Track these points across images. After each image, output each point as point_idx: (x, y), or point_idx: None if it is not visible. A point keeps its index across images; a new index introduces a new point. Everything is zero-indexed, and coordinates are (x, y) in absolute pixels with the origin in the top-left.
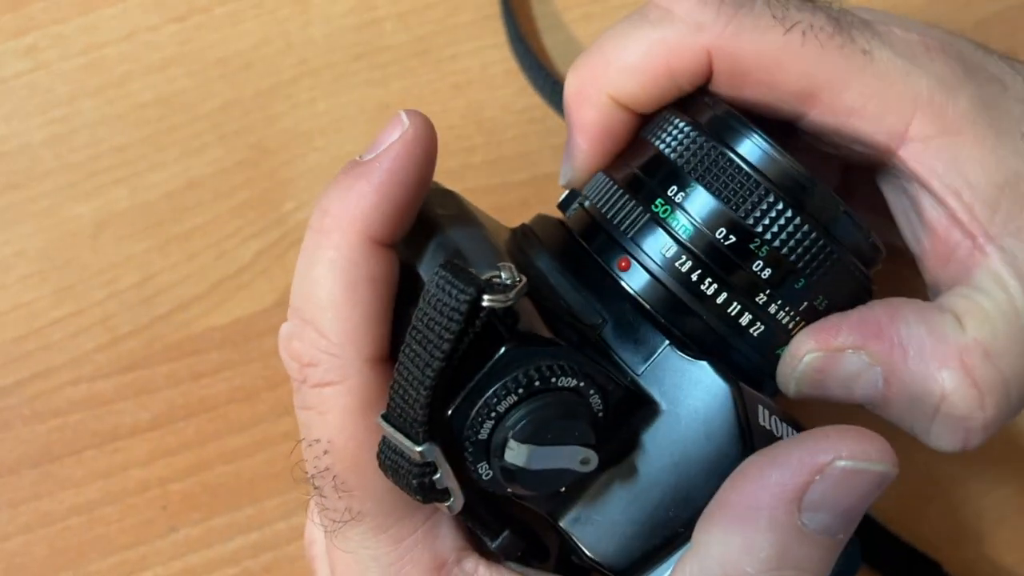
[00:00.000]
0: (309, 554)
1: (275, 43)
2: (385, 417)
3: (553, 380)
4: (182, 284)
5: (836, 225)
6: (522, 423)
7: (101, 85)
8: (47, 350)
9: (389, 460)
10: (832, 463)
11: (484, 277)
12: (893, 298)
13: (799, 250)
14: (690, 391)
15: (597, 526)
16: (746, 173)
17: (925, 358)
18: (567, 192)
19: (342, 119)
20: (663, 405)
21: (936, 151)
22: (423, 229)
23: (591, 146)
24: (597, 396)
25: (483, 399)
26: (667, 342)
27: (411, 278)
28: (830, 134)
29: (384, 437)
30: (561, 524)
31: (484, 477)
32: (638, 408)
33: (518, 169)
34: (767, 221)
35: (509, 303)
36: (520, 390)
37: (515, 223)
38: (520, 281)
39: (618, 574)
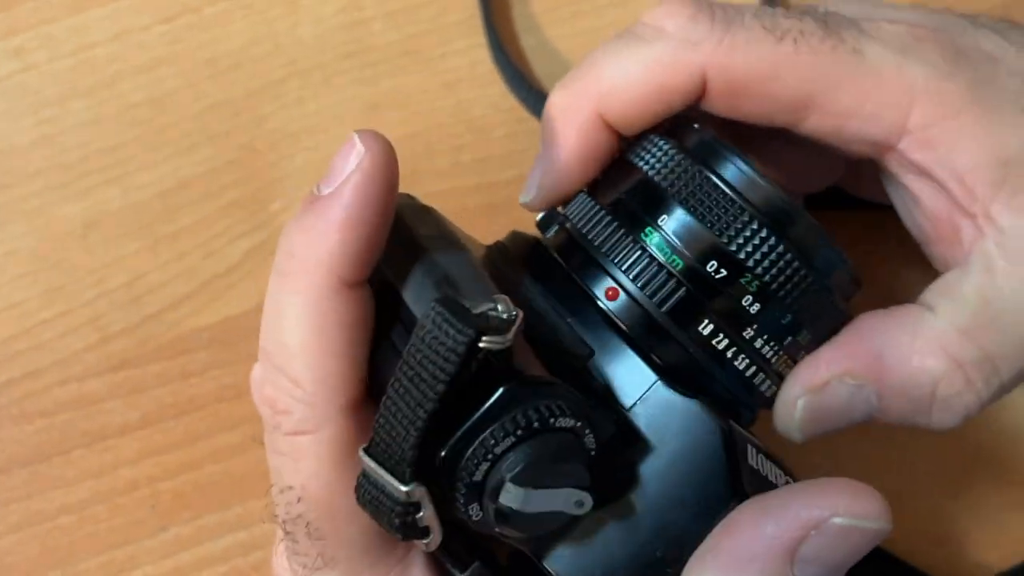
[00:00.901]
0: None
1: (264, 43)
2: (368, 452)
3: (551, 420)
4: (171, 284)
5: (819, 257)
6: (520, 466)
7: (91, 86)
8: (37, 350)
9: (369, 495)
10: (829, 520)
11: (479, 311)
12: (860, 315)
13: (788, 285)
14: (680, 429)
15: (582, 566)
16: (738, 205)
17: (906, 358)
18: (546, 212)
19: (331, 119)
20: (652, 442)
21: (936, 138)
22: (404, 249)
23: (571, 166)
24: (591, 435)
25: (479, 440)
26: (656, 378)
27: (391, 299)
28: (829, 138)
29: (364, 472)
30: (545, 563)
31: (474, 518)
32: (627, 445)
33: (507, 167)
34: (758, 256)
35: (508, 344)
36: (519, 431)
37: (504, 220)
38: (516, 316)
39: None
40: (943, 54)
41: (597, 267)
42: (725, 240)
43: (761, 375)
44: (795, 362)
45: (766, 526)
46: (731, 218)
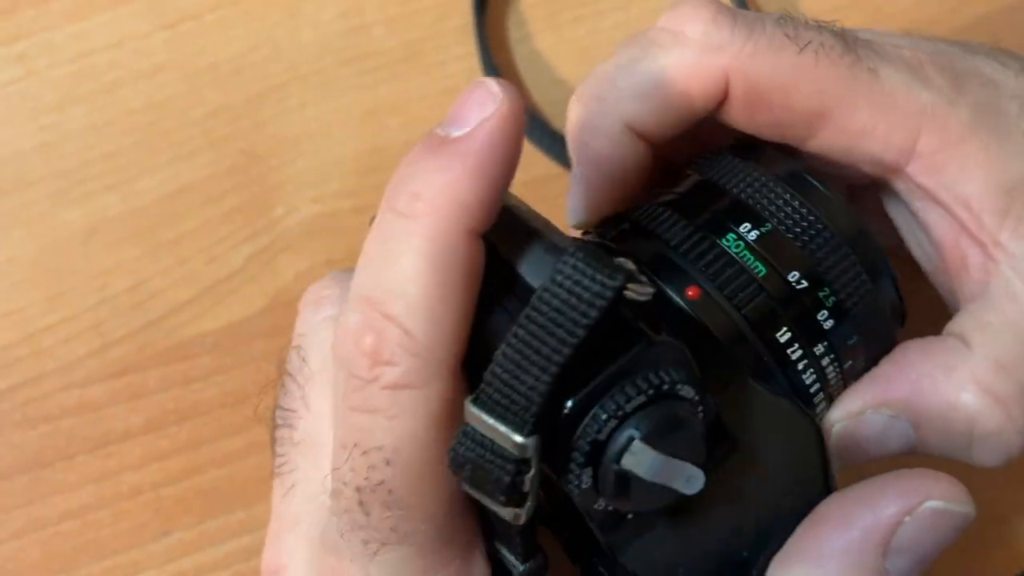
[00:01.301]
0: None
1: (264, 49)
2: (477, 403)
3: (678, 387)
4: (173, 289)
5: (883, 284)
6: (648, 424)
7: (91, 92)
8: (39, 356)
9: (471, 453)
10: (922, 504)
11: (618, 263)
12: (900, 344)
13: (860, 305)
14: (771, 427)
15: (662, 564)
16: (820, 220)
17: (942, 392)
18: (605, 218)
19: (331, 124)
20: (742, 438)
21: (943, 163)
22: (511, 223)
23: (606, 181)
24: (703, 414)
25: (611, 395)
26: (744, 373)
27: (500, 270)
28: (838, 155)
29: (467, 428)
30: (620, 558)
31: (583, 485)
32: (718, 439)
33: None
34: (837, 271)
35: (649, 296)
36: (651, 391)
37: None
38: (647, 281)
39: None
40: (947, 79)
41: (679, 270)
42: (808, 252)
43: (820, 394)
44: (845, 387)
45: (860, 517)
46: (814, 231)
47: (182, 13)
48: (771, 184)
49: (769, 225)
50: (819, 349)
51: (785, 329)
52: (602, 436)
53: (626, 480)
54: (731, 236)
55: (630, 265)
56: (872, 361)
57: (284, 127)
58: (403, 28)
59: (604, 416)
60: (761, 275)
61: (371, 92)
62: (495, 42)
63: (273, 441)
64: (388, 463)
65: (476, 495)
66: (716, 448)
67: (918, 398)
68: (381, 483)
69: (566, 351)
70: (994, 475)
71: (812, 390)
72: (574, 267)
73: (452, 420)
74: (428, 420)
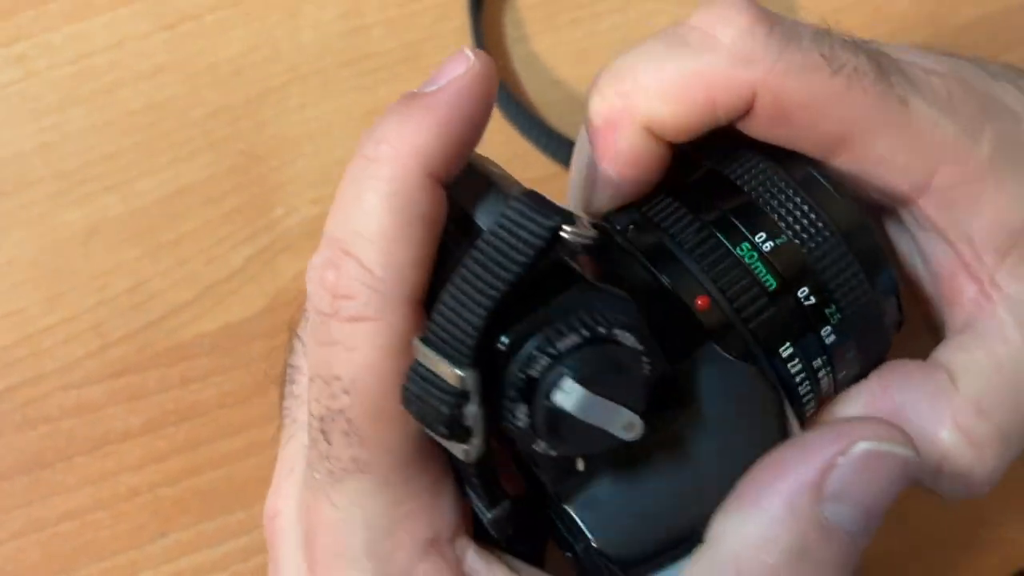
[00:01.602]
0: (270, 529)
1: (264, 50)
2: (423, 340)
3: (617, 333)
4: (172, 290)
5: (887, 296)
6: (581, 365)
7: (91, 93)
8: (38, 356)
9: (417, 388)
10: (855, 444)
11: (563, 209)
12: (886, 363)
13: (865, 324)
14: (732, 391)
15: (607, 513)
16: (841, 242)
17: (922, 422)
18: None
19: (331, 125)
20: (700, 400)
21: (956, 200)
22: (474, 178)
23: (624, 176)
24: (649, 366)
25: (545, 332)
26: (711, 339)
27: (460, 223)
28: (850, 180)
29: (416, 365)
30: (566, 506)
31: (517, 423)
32: (673, 397)
33: (508, 171)
34: (847, 289)
35: (588, 240)
36: (585, 331)
37: None
38: (589, 226)
39: (624, 568)
40: (972, 110)
41: (685, 271)
42: (821, 269)
43: (813, 402)
44: (836, 393)
45: (791, 461)
46: (828, 245)
47: (182, 14)
48: (790, 191)
49: (784, 237)
50: (817, 363)
51: (788, 344)
52: (535, 372)
53: (558, 419)
54: (745, 246)
55: (581, 216)
56: (865, 370)
57: (284, 128)
58: (402, 29)
59: (536, 352)
60: (771, 288)
61: (371, 93)
62: (492, 43)
63: (282, 398)
64: (346, 392)
65: (427, 431)
66: (669, 404)
67: (897, 422)
68: (340, 412)
69: (502, 287)
70: None
71: (805, 400)
72: (518, 211)
73: (410, 355)
74: (384, 352)
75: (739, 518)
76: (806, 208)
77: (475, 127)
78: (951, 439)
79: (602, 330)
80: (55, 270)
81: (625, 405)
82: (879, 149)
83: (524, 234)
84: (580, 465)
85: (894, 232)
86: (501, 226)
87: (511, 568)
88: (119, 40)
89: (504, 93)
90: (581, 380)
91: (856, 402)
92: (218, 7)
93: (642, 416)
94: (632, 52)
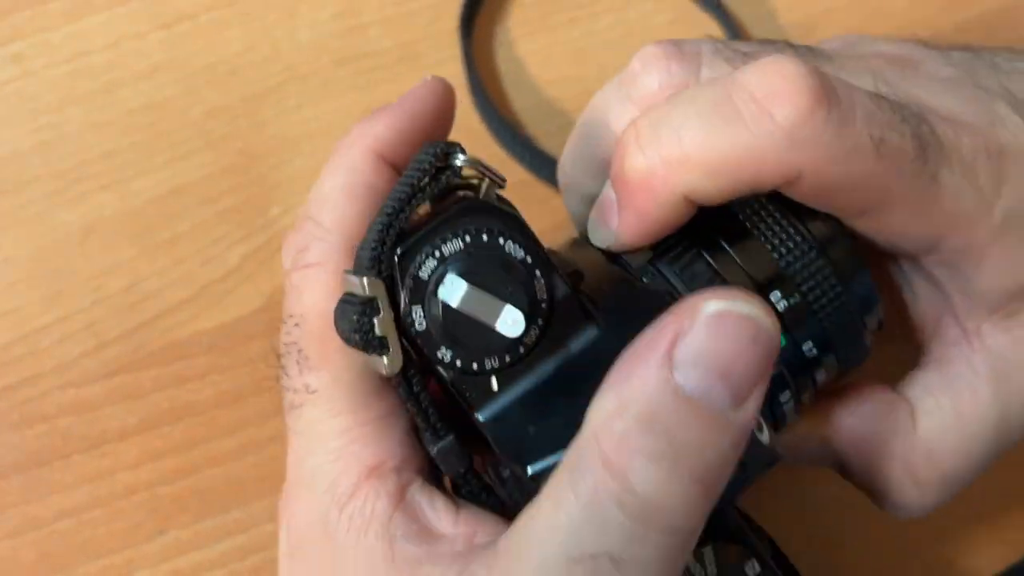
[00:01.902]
0: None
1: (261, 49)
2: (347, 271)
3: (504, 244)
4: (169, 289)
5: (870, 319)
6: (462, 259)
7: (88, 92)
8: (35, 355)
9: (339, 310)
10: (702, 307)
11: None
12: (862, 384)
13: (852, 355)
14: (640, 314)
15: (513, 423)
16: (841, 284)
17: (876, 451)
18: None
19: (328, 125)
20: (607, 322)
21: (960, 262)
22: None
23: (646, 229)
24: (543, 282)
25: (432, 239)
26: (634, 278)
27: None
28: (864, 234)
29: (343, 295)
30: (478, 415)
31: (417, 327)
32: (579, 320)
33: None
34: (845, 340)
35: (475, 161)
36: (468, 238)
37: None
38: (476, 159)
39: (521, 465)
40: (992, 171)
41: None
42: (827, 323)
43: (793, 404)
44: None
45: (646, 339)
46: (836, 301)
47: (179, 13)
48: (806, 247)
49: (798, 296)
50: (807, 394)
51: (788, 393)
52: (423, 275)
53: (448, 316)
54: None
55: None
56: (842, 373)
57: (281, 127)
58: (399, 29)
59: (425, 256)
60: (781, 346)
61: (368, 92)
62: (487, 44)
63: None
64: (297, 326)
65: (350, 347)
66: (570, 318)
67: (854, 442)
68: (294, 343)
69: (396, 204)
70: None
71: (785, 410)
72: (423, 150)
73: None
74: (328, 291)
75: (600, 397)
76: (820, 264)
77: (429, 122)
78: (898, 475)
79: (485, 238)
80: (52, 269)
81: (509, 302)
82: (898, 218)
83: (418, 162)
84: (495, 385)
85: (896, 274)
86: (411, 165)
87: (453, 503)
88: (116, 39)
89: (490, 109)
90: (461, 270)
91: (824, 412)
92: (214, 7)
93: (528, 315)
94: (680, 107)
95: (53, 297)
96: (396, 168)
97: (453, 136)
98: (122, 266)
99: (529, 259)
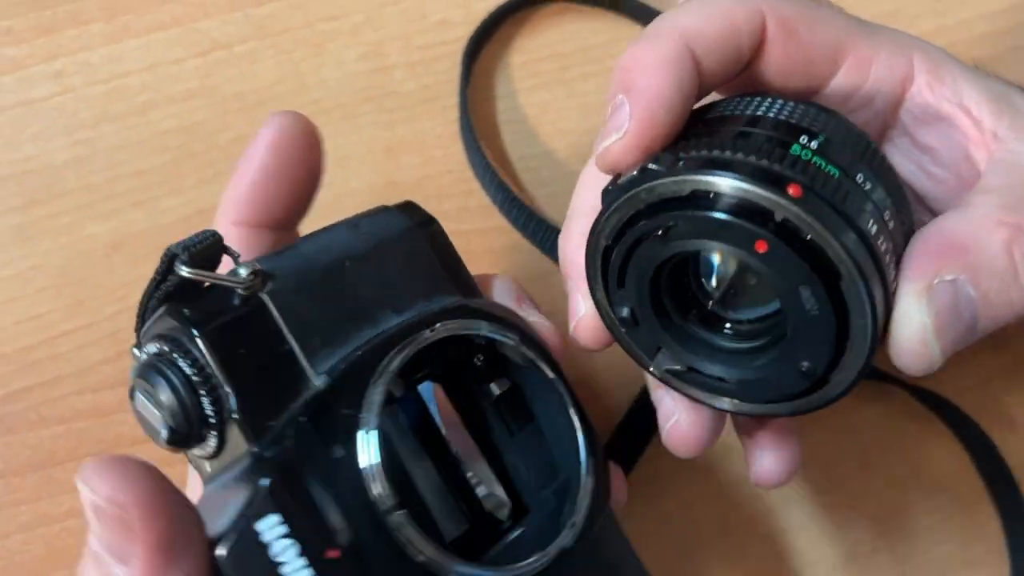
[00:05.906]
0: None
1: (289, 82)
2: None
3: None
4: None
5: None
6: (140, 370)
7: (124, 111)
8: (56, 359)
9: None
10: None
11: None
12: (918, 231)
13: (899, 193)
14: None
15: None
16: (866, 137)
17: (976, 236)
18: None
19: (348, 157)
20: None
21: (941, 77)
22: None
23: (664, 99)
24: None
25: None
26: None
27: None
28: (857, 90)
29: None
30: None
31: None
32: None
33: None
34: (888, 180)
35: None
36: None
37: (504, 265)
38: (250, 281)
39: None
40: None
41: (769, 173)
42: (866, 158)
43: (892, 268)
44: (897, 263)
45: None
46: (865, 142)
47: (213, 43)
48: (803, 106)
49: (823, 136)
50: (884, 246)
51: (872, 222)
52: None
53: (140, 417)
54: (796, 147)
55: (243, 269)
56: (902, 247)
57: None
58: (422, 72)
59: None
60: (836, 177)
61: (388, 130)
62: (483, 94)
63: None
64: None
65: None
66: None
67: (961, 251)
68: None
69: (139, 309)
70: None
71: (886, 260)
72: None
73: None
74: None
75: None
76: (827, 116)
77: (276, 165)
78: (1005, 231)
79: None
80: (78, 279)
81: (162, 414)
82: (866, 49)
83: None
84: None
85: (899, 157)
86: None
87: None
88: (153, 63)
89: (480, 158)
90: (137, 376)
91: (919, 263)
92: (248, 39)
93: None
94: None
95: (77, 305)
96: (266, 225)
97: (447, 178)
98: (146, 280)
99: (191, 369)
